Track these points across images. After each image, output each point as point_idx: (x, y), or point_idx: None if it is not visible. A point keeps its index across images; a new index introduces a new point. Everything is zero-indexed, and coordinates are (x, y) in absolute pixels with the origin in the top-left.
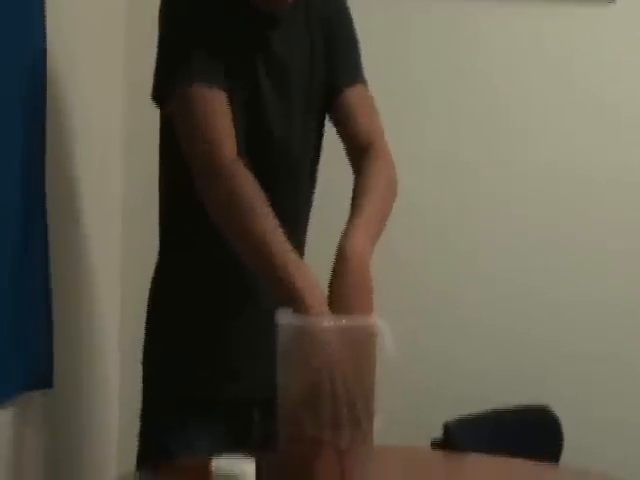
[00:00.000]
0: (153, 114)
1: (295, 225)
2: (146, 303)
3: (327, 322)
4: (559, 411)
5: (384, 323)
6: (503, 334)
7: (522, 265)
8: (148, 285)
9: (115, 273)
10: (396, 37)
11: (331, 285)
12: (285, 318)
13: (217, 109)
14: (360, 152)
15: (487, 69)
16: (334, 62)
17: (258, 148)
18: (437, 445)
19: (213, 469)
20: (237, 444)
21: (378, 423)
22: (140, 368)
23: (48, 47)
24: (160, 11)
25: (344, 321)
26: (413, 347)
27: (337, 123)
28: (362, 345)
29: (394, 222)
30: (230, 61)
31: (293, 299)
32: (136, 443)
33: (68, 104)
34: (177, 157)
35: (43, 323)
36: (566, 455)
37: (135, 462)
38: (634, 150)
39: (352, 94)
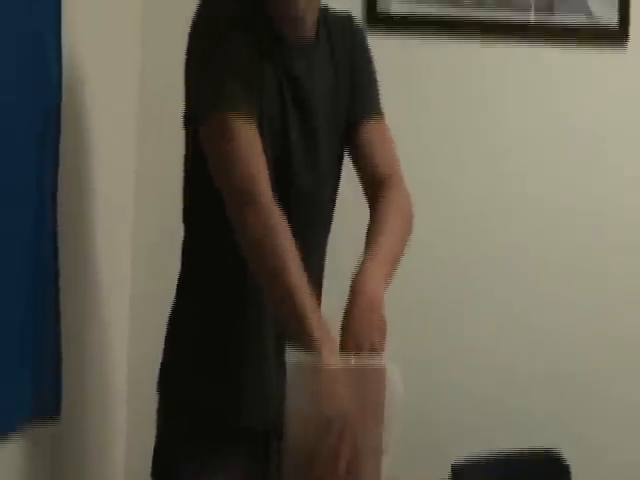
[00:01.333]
0: (165, 117)
1: (316, 263)
2: (154, 333)
3: (336, 363)
4: (571, 455)
5: (393, 365)
6: (517, 374)
7: (534, 303)
8: (158, 315)
9: (125, 303)
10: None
11: (344, 321)
12: (294, 357)
13: (254, 143)
14: (376, 187)
15: (496, 111)
16: (354, 95)
17: (283, 188)
18: None
19: None
20: (255, 475)
21: (386, 462)
22: (148, 399)
23: (64, 56)
24: (194, 30)
25: (353, 362)
26: (424, 383)
27: (354, 157)
28: (370, 386)
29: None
30: (261, 92)
31: (309, 348)
32: (144, 473)
33: (82, 108)
34: (206, 189)
35: (51, 353)
36: None
37: None
38: None
39: (370, 129)
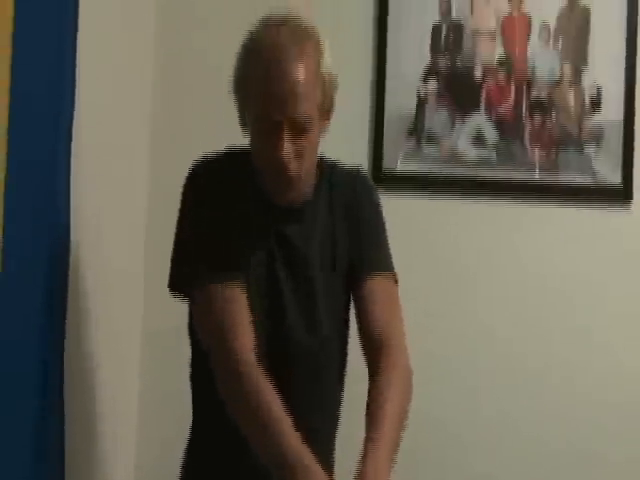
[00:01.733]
0: (178, 131)
1: (328, 414)
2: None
3: None
4: None
5: None
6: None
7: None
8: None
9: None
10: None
11: None
12: None
13: (235, 309)
14: (374, 351)
15: (497, 265)
16: (359, 248)
17: (278, 351)
18: None
19: None
20: None
21: None
22: None
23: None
24: (182, 196)
25: None
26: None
27: (356, 311)
28: None
29: None
30: (248, 256)
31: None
32: None
33: (95, 119)
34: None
35: (55, 431)
36: None
37: None
38: None
39: (373, 284)
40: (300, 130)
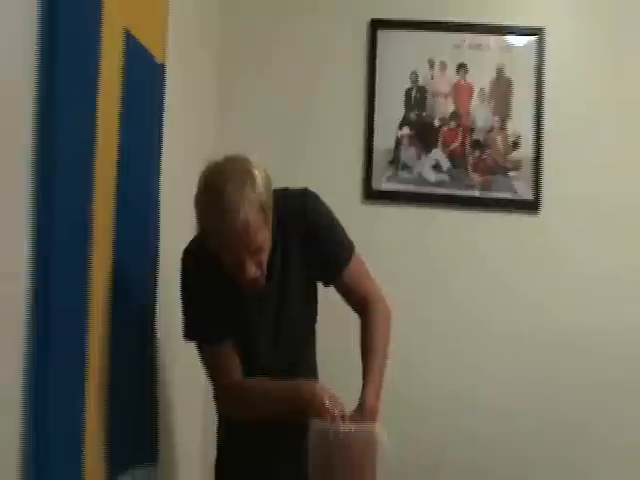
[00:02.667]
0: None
1: (308, 370)
2: None
3: (343, 427)
4: None
5: (384, 431)
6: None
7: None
8: None
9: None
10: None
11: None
12: (314, 425)
13: (220, 358)
14: (361, 305)
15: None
16: (328, 256)
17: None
18: None
19: None
20: None
21: None
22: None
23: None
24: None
25: (352, 429)
26: (408, 444)
27: (342, 292)
28: (368, 444)
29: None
30: (228, 316)
31: (297, 392)
32: None
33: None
34: None
35: (151, 413)
36: None
37: None
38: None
39: (348, 271)
40: (258, 251)
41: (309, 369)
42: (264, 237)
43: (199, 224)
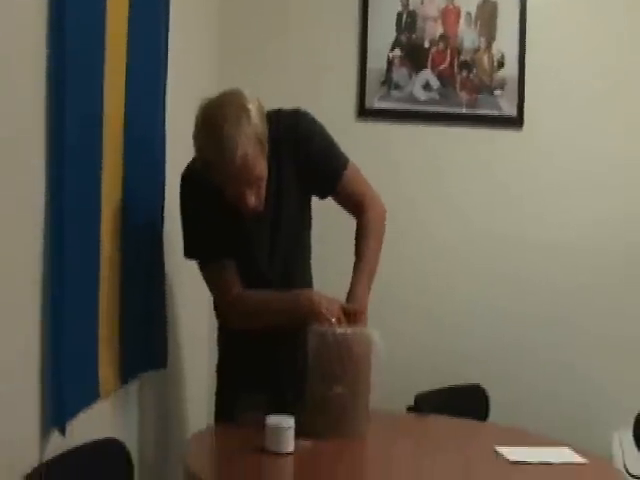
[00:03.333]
0: None
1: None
2: None
3: (340, 330)
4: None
5: (377, 332)
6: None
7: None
8: None
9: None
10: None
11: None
12: (313, 329)
13: (222, 274)
14: (357, 209)
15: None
16: (323, 168)
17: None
18: (411, 409)
19: (267, 422)
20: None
21: (372, 397)
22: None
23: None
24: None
25: (349, 331)
26: (399, 345)
27: (340, 200)
28: (362, 345)
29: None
30: (227, 234)
31: (296, 302)
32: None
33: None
34: None
35: (161, 321)
36: (491, 418)
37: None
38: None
39: (344, 180)
40: (257, 181)
41: (305, 280)
42: (262, 167)
43: (199, 158)
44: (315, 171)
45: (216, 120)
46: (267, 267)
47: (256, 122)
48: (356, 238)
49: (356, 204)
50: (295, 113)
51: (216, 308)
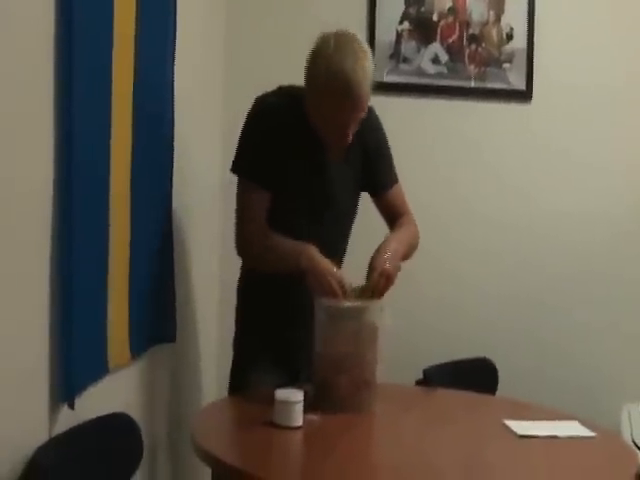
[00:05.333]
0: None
1: (339, 249)
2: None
3: (347, 303)
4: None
5: (386, 304)
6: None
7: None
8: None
9: (216, 262)
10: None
11: (376, 253)
12: (320, 301)
13: (255, 205)
14: (398, 222)
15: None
16: (378, 171)
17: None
18: (419, 383)
19: (276, 396)
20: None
21: (380, 370)
22: (232, 331)
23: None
24: (247, 116)
25: (356, 304)
26: (408, 321)
27: (381, 208)
28: (370, 318)
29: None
30: (285, 169)
31: (298, 253)
32: (228, 377)
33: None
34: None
35: (170, 299)
36: (499, 392)
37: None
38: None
39: (393, 192)
40: (359, 119)
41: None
42: (366, 109)
43: (311, 87)
44: (379, 162)
45: (345, 54)
46: (305, 226)
47: (373, 66)
48: (394, 229)
49: (398, 215)
50: (370, 109)
51: (237, 235)
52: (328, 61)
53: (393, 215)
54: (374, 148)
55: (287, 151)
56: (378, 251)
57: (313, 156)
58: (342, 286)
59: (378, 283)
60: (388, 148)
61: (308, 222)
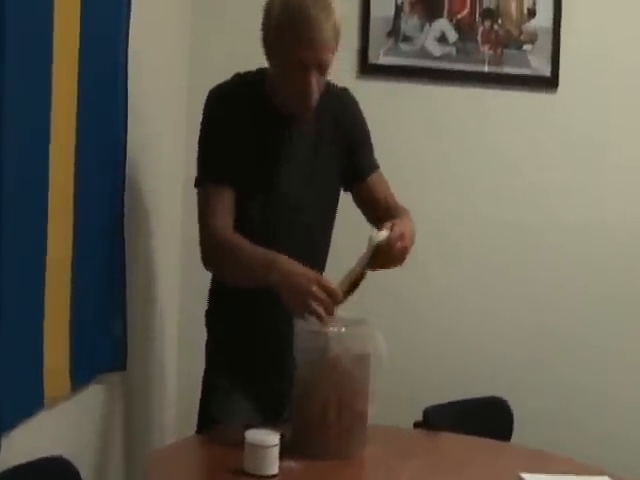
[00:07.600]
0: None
1: (319, 258)
2: (199, 308)
3: (332, 329)
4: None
5: (378, 331)
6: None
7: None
8: (202, 291)
9: (176, 280)
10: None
11: (394, 225)
12: (301, 326)
13: (217, 200)
14: (383, 213)
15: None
16: (356, 158)
17: (276, 216)
18: (418, 425)
19: (247, 438)
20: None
21: (372, 410)
22: (193, 356)
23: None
24: (203, 112)
25: (344, 329)
26: (404, 351)
27: (362, 200)
28: (360, 348)
29: None
30: (246, 158)
31: (270, 263)
32: (190, 411)
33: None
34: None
35: (120, 321)
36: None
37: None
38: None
39: (374, 178)
40: (323, 70)
41: (319, 260)
42: (332, 60)
43: (270, 30)
44: (356, 155)
45: (304, 3)
46: (276, 228)
47: (339, 14)
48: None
49: (386, 206)
50: (348, 92)
51: (201, 241)
52: (283, 14)
53: (379, 205)
54: (349, 132)
55: (250, 139)
56: (400, 222)
57: (279, 143)
58: (330, 294)
59: (398, 240)
60: (367, 132)
61: (279, 222)
